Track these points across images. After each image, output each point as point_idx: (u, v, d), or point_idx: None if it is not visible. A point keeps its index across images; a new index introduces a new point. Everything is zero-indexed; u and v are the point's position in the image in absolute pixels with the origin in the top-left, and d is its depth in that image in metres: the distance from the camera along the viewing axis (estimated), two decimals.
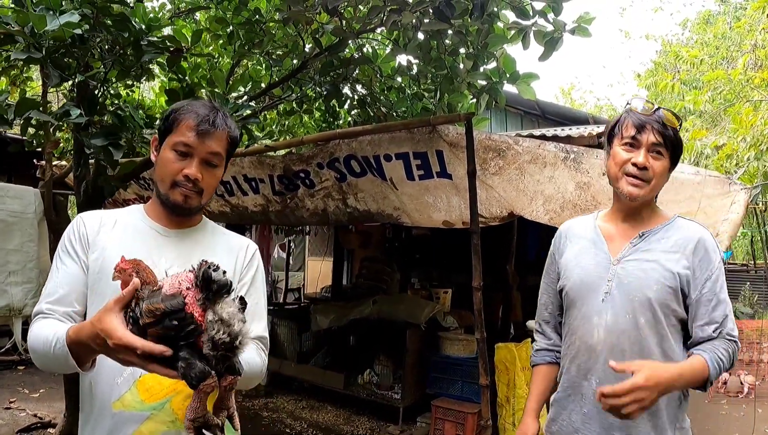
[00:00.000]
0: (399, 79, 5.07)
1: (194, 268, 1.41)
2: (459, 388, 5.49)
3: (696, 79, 9.80)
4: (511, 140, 3.83)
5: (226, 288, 1.36)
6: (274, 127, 6.57)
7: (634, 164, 1.93)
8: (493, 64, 4.10)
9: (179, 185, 1.76)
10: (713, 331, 1.90)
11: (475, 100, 4.49)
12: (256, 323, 1.87)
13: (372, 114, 5.26)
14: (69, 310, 1.72)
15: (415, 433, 5.62)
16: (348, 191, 5.02)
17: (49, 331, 1.59)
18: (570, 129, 5.87)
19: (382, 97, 5.15)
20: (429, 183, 4.43)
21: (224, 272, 1.40)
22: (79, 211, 4.49)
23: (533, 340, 2.42)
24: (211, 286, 1.34)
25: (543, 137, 5.10)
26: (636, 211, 2.05)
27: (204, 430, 1.42)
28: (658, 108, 2.00)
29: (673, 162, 1.99)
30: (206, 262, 1.38)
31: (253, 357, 1.81)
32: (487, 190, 4.05)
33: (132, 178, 4.81)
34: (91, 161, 4.41)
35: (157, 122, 2.05)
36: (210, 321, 1.33)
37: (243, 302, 1.44)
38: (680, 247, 1.96)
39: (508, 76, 3.78)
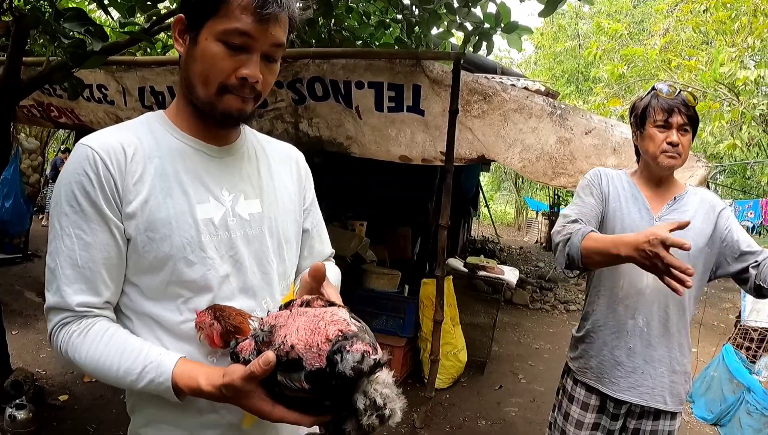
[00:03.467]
0: (365, 2, 4.89)
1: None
2: (383, 322, 5.58)
3: (613, 50, 10.39)
4: (499, 87, 3.88)
5: (378, 367, 1.05)
6: None
7: (669, 143, 2.23)
8: (478, 9, 4.06)
9: (232, 90, 1.24)
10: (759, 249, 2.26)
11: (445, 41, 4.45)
12: (325, 244, 1.66)
13: (323, 36, 5.06)
14: (104, 300, 1.25)
15: None
16: (303, 115, 4.88)
17: (123, 359, 1.20)
18: (518, 80, 5.99)
19: (343, 20, 4.94)
20: (396, 116, 4.40)
21: (369, 352, 1.03)
22: None
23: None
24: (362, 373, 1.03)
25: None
26: (666, 179, 2.37)
27: None
28: (680, 91, 2.30)
29: (694, 133, 2.32)
30: (344, 337, 1.03)
31: (336, 273, 1.61)
32: (461, 131, 4.10)
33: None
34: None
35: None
36: (361, 408, 1.06)
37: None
38: (704, 208, 2.31)
39: (503, 24, 3.76)
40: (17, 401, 4.01)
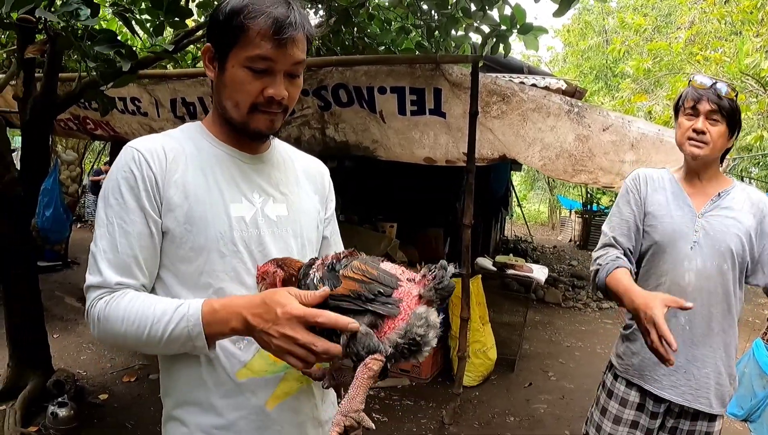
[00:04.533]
0: (385, 9, 5.01)
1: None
2: None
3: (638, 45, 10.33)
4: (516, 87, 3.96)
5: (448, 295, 1.23)
6: None
7: (695, 130, 2.23)
8: (495, 12, 4.13)
9: (261, 109, 1.37)
10: None
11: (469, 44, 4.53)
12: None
13: (347, 44, 5.18)
14: (141, 283, 1.36)
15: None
16: (329, 121, 5.01)
17: (154, 310, 1.29)
18: (543, 79, 6.07)
19: (365, 27, 5.06)
20: (419, 119, 4.51)
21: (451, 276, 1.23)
22: (25, 132, 4.19)
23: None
24: (440, 290, 1.21)
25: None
26: (706, 173, 2.34)
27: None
28: (716, 82, 2.28)
29: (731, 127, 2.28)
30: (445, 263, 1.23)
31: None
32: (482, 132, 4.18)
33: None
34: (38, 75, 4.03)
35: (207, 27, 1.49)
36: (417, 313, 1.18)
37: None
38: (750, 207, 2.28)
39: (519, 26, 3.82)
40: (59, 400, 4.19)
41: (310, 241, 1.58)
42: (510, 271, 6.44)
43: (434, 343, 1.20)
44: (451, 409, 4.68)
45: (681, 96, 2.33)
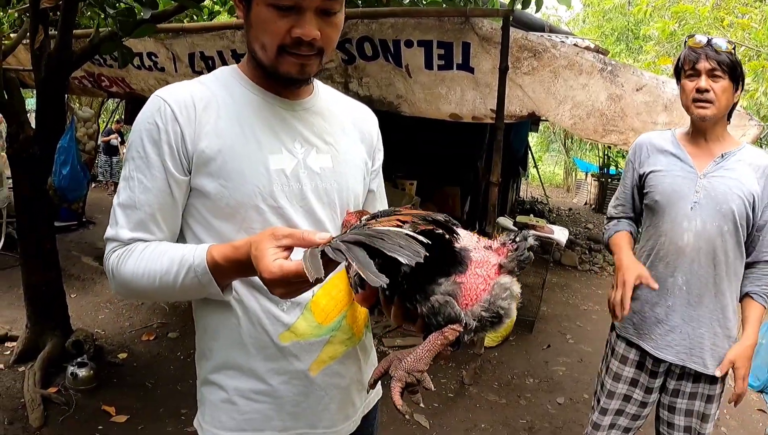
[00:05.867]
0: None
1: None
2: None
3: (664, 6, 10.08)
4: (548, 43, 3.85)
5: (525, 267, 1.14)
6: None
7: (698, 90, 2.19)
8: None
9: (290, 52, 1.23)
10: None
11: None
12: (385, 206, 1.66)
13: None
14: (156, 239, 1.29)
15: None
16: (353, 74, 4.91)
17: (164, 261, 1.22)
18: (567, 38, 5.93)
19: None
20: (446, 74, 4.40)
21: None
22: (40, 89, 4.08)
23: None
24: (522, 263, 1.12)
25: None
26: (713, 133, 2.30)
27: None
28: (711, 38, 2.23)
29: (735, 81, 2.22)
30: (527, 234, 1.15)
31: None
32: (511, 89, 4.07)
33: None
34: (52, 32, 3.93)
35: None
36: (502, 284, 1.09)
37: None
38: (754, 169, 2.25)
39: None
40: (79, 360, 4.19)
41: (356, 195, 1.48)
42: (531, 232, 6.37)
43: (514, 314, 1.11)
44: (471, 369, 4.67)
45: (679, 59, 2.30)
